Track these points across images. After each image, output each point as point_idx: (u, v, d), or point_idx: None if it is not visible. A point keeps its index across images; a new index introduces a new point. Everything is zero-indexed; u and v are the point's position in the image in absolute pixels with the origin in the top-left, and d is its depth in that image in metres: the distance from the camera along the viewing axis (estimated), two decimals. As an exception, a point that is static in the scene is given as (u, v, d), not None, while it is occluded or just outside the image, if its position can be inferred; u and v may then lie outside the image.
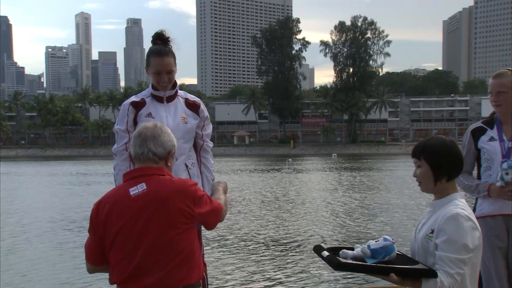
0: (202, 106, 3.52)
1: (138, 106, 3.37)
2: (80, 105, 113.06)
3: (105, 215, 2.40)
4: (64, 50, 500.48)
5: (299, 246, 13.99)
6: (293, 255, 12.87)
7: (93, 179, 37.49)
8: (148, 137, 2.47)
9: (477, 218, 3.34)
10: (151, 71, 3.33)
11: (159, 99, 3.38)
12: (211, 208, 2.55)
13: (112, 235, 2.38)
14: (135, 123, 3.33)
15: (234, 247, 13.86)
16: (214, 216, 2.59)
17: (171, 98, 3.41)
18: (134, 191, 2.39)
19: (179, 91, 3.48)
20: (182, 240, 2.40)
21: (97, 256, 2.46)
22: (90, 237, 2.48)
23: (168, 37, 3.34)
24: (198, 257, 2.51)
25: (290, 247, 13.86)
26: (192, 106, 3.46)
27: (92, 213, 2.46)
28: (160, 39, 3.32)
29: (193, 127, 3.42)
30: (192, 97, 3.53)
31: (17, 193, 29.19)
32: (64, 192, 28.91)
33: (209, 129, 3.58)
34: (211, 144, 3.60)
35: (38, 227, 17.35)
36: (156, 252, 2.35)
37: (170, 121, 3.31)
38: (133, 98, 3.44)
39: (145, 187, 2.39)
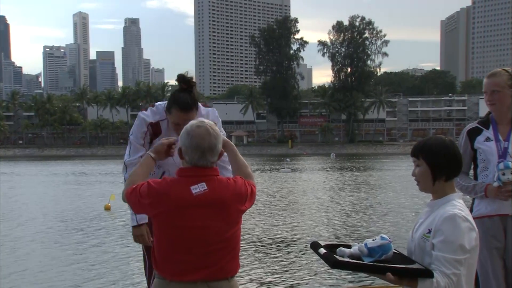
0: (217, 126, 3.44)
1: (154, 130, 3.32)
2: (78, 104, 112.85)
3: (163, 203, 2.44)
4: (62, 50, 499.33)
5: (296, 244, 14.01)
6: (290, 253, 12.89)
7: (97, 179, 37.46)
8: (206, 149, 2.50)
9: (474, 218, 3.35)
10: (171, 120, 3.23)
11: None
12: (254, 195, 2.73)
13: (165, 223, 2.46)
14: (151, 141, 3.31)
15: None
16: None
17: None
18: (195, 189, 2.46)
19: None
20: (236, 237, 2.57)
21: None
22: (143, 204, 2.48)
23: (192, 79, 3.22)
24: (239, 248, 2.66)
25: (287, 246, 13.88)
26: None
27: (153, 191, 2.45)
28: (185, 82, 3.21)
29: None
30: (207, 118, 3.38)
31: (28, 194, 29.14)
32: (74, 192, 28.88)
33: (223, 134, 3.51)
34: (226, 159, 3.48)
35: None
36: (214, 249, 2.47)
37: None
38: (151, 118, 3.34)
39: (206, 187, 2.47)
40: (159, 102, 3.43)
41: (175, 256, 2.45)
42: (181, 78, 3.20)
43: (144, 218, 3.33)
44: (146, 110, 3.41)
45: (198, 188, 2.46)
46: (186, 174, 2.51)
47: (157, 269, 2.49)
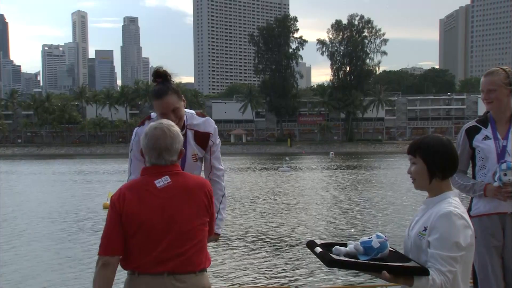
0: (213, 135, 3.43)
1: None
2: (76, 103, 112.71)
3: (130, 203, 2.51)
4: (61, 49, 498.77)
5: (294, 242, 14.02)
6: (288, 251, 12.89)
7: (99, 178, 37.44)
8: (162, 149, 2.60)
9: (473, 217, 3.38)
10: (157, 113, 3.27)
11: None
12: (214, 217, 2.79)
13: (137, 222, 2.50)
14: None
15: (232, 244, 13.88)
16: (212, 227, 2.77)
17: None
18: (159, 183, 2.57)
19: (187, 118, 3.37)
20: (202, 230, 2.63)
21: (119, 245, 2.50)
22: (112, 225, 2.51)
23: (165, 72, 3.27)
24: (206, 243, 2.74)
25: (285, 244, 13.89)
26: (201, 140, 3.40)
27: (116, 201, 2.53)
28: (159, 77, 3.26)
29: (200, 160, 3.44)
30: (203, 127, 3.42)
31: (35, 193, 29.14)
32: (85, 191, 28.89)
33: (217, 151, 3.49)
34: (220, 172, 3.50)
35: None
36: (182, 239, 2.54)
37: (182, 162, 3.19)
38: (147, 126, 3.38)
39: (169, 180, 2.59)
40: (155, 113, 3.40)
41: (144, 249, 2.50)
42: (155, 73, 3.28)
43: None
44: (143, 124, 3.37)
45: (162, 181, 2.57)
46: (148, 172, 2.61)
47: (126, 265, 2.54)
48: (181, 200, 2.57)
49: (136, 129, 3.41)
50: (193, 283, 2.55)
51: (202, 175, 3.44)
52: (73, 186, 31.43)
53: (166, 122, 2.68)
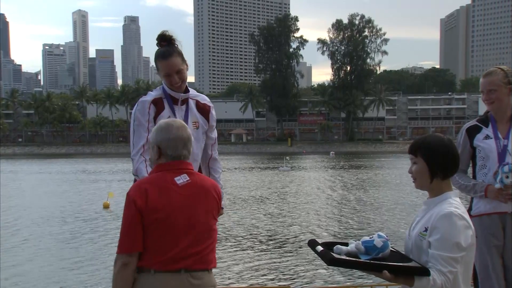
0: (212, 111, 3.54)
1: (158, 105, 3.36)
2: (77, 103, 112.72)
3: (153, 199, 2.48)
4: (61, 48, 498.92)
5: (294, 241, 14.02)
6: (289, 251, 12.89)
7: (105, 177, 37.45)
8: (186, 139, 2.64)
9: (473, 216, 3.38)
10: (161, 74, 3.35)
11: (174, 101, 3.39)
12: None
13: (159, 218, 2.48)
14: (155, 118, 3.34)
15: (232, 244, 13.88)
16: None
17: (184, 100, 3.42)
18: (179, 180, 2.58)
19: (190, 90, 3.49)
20: (215, 231, 2.69)
21: (139, 242, 2.46)
22: (132, 222, 2.46)
23: (171, 36, 3.35)
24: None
25: (286, 243, 13.89)
26: (203, 110, 3.48)
27: (136, 197, 2.47)
28: (164, 40, 3.34)
29: (203, 132, 3.46)
30: (202, 99, 3.53)
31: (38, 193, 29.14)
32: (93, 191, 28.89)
33: (215, 132, 3.60)
34: (217, 152, 3.63)
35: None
36: (201, 238, 2.57)
37: None
38: (153, 95, 3.41)
39: (188, 178, 2.60)
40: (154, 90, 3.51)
41: (163, 247, 2.48)
42: (160, 36, 3.34)
43: None
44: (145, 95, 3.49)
45: (182, 179, 2.58)
46: (166, 168, 2.60)
47: (142, 263, 2.49)
48: (200, 200, 2.59)
49: (139, 99, 3.45)
50: (207, 280, 2.59)
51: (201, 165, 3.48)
52: (79, 185, 31.43)
53: (183, 121, 2.73)
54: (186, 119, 3.37)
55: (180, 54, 3.34)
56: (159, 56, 3.31)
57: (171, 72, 3.29)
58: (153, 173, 2.62)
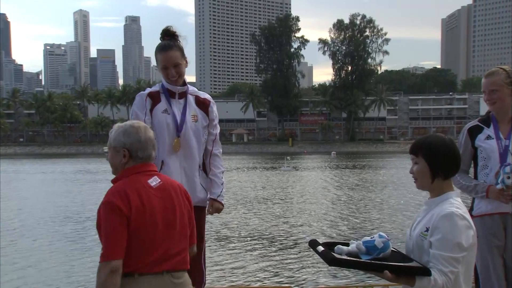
0: (212, 104, 3.54)
1: (154, 98, 3.41)
2: (78, 102, 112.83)
3: (136, 204, 2.46)
4: (63, 48, 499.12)
5: (296, 242, 14.02)
6: (290, 251, 12.89)
7: (109, 177, 37.48)
8: (154, 140, 2.64)
9: (475, 216, 3.38)
10: (159, 67, 3.39)
11: (171, 94, 3.42)
12: (193, 221, 2.75)
13: (142, 222, 2.46)
14: (151, 116, 3.38)
15: (234, 244, 13.88)
16: (194, 233, 2.76)
17: (182, 95, 3.44)
18: (152, 182, 2.57)
19: (190, 87, 3.51)
20: (189, 230, 2.69)
21: (124, 248, 2.41)
22: (118, 228, 2.41)
23: (175, 32, 3.40)
24: None
25: (287, 243, 13.89)
26: (202, 105, 3.49)
27: (119, 203, 2.42)
28: (168, 35, 3.40)
29: (202, 126, 3.45)
30: (202, 95, 3.55)
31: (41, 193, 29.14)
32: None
33: (218, 128, 3.60)
34: (220, 149, 3.62)
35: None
36: (180, 238, 2.59)
37: (181, 120, 3.35)
38: (150, 90, 3.48)
39: (159, 180, 2.60)
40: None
41: (146, 249, 2.47)
42: (164, 31, 3.40)
43: None
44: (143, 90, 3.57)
45: (154, 181, 2.58)
46: (136, 171, 2.58)
47: (125, 268, 2.43)
48: (174, 200, 2.59)
49: (140, 93, 3.50)
50: (186, 279, 2.61)
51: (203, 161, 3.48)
52: (82, 185, 31.45)
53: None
54: (184, 112, 3.39)
55: (180, 49, 3.38)
56: (159, 48, 3.36)
57: (169, 64, 3.32)
58: (124, 177, 2.56)
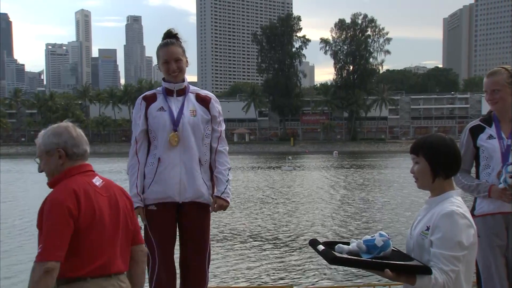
0: (214, 101, 3.53)
1: (148, 100, 3.46)
2: (80, 102, 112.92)
3: (86, 203, 2.40)
4: (64, 48, 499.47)
5: (298, 241, 14.01)
6: (292, 250, 12.89)
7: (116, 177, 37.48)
8: (84, 136, 2.63)
9: (477, 216, 3.38)
10: (160, 63, 3.42)
11: (169, 92, 3.44)
12: (137, 221, 2.73)
13: (92, 223, 2.40)
14: (146, 117, 3.41)
15: (237, 243, 13.88)
16: (139, 232, 2.72)
17: (181, 92, 3.45)
18: (97, 182, 2.53)
19: (191, 86, 3.53)
20: (132, 231, 2.64)
21: (64, 250, 2.31)
22: (61, 228, 2.30)
23: (177, 33, 3.47)
24: None
25: (290, 242, 13.89)
26: (203, 101, 3.49)
27: (68, 202, 2.34)
28: (170, 36, 3.45)
29: (202, 121, 3.43)
30: (204, 92, 3.57)
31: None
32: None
33: (223, 125, 3.59)
34: (226, 146, 3.59)
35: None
36: (127, 239, 2.57)
37: (178, 114, 3.37)
38: (145, 93, 3.55)
39: (101, 180, 2.56)
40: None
41: (97, 252, 2.42)
42: (167, 33, 3.48)
43: (137, 202, 3.35)
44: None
45: (98, 181, 2.54)
46: (79, 171, 2.53)
47: (77, 272, 2.38)
48: (118, 200, 2.56)
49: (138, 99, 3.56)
50: (127, 280, 2.56)
51: (206, 157, 3.48)
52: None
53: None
54: (181, 109, 3.39)
55: (181, 47, 3.43)
56: (160, 45, 3.42)
57: (170, 58, 3.36)
58: (66, 178, 2.48)
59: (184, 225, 3.42)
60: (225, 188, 3.47)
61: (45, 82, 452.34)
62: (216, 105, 3.53)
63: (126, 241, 2.56)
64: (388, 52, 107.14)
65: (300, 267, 11.33)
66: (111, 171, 43.93)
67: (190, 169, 3.36)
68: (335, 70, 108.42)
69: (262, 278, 10.56)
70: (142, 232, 3.43)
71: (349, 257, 2.20)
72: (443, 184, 2.33)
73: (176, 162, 3.35)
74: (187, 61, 3.46)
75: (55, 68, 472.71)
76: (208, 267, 3.48)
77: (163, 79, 3.49)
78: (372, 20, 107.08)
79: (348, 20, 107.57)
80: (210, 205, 3.48)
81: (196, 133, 3.40)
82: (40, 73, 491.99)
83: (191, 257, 3.40)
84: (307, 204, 21.87)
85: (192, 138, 3.37)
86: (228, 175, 3.51)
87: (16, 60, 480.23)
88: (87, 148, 2.60)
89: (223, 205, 3.46)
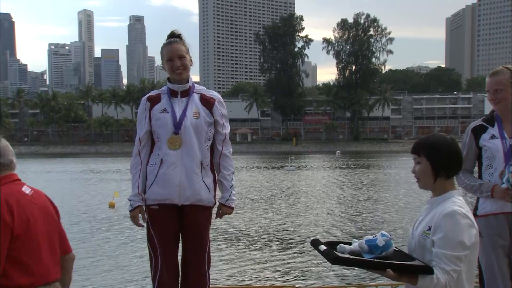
0: (217, 103, 3.50)
1: (152, 101, 3.46)
2: (82, 102, 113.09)
3: (19, 213, 2.39)
4: (67, 47, 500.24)
5: (301, 241, 14.02)
6: (295, 250, 12.89)
7: (113, 177, 37.52)
8: (10, 147, 2.67)
9: (479, 216, 3.37)
10: (164, 61, 3.42)
11: (173, 93, 3.44)
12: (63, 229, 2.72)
13: (27, 232, 2.39)
14: (150, 118, 3.42)
15: (241, 243, 13.89)
16: (66, 239, 2.72)
17: (185, 93, 3.44)
18: (26, 190, 2.53)
19: (196, 86, 3.52)
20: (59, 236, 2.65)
21: (2, 261, 2.28)
22: (1, 239, 2.29)
23: (180, 34, 3.47)
24: None
25: (293, 243, 13.89)
26: (207, 103, 3.46)
27: (4, 213, 2.32)
28: (173, 37, 3.46)
29: (205, 123, 3.42)
30: (209, 93, 3.53)
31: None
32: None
33: (227, 128, 3.55)
34: (230, 149, 3.59)
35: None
36: (57, 247, 2.58)
37: (181, 116, 3.36)
38: (150, 94, 3.54)
39: (30, 189, 2.57)
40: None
41: (35, 260, 2.39)
42: (170, 34, 3.48)
43: (137, 202, 3.37)
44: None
45: (27, 190, 2.54)
46: (9, 180, 2.53)
47: (20, 281, 2.33)
48: (48, 208, 2.59)
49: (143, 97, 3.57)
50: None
51: (207, 160, 3.46)
52: (87, 185, 31.49)
53: None
54: (185, 110, 3.39)
55: (185, 46, 3.44)
56: (164, 44, 3.43)
57: (173, 56, 3.36)
58: (4, 186, 2.47)
59: (184, 225, 3.42)
60: (230, 195, 3.52)
61: (47, 82, 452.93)
62: (220, 107, 3.49)
63: (60, 248, 2.60)
64: (390, 52, 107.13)
65: (303, 267, 11.33)
66: (117, 170, 44.01)
67: (191, 172, 3.35)
68: (337, 70, 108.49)
69: (265, 278, 10.56)
70: (144, 231, 3.44)
71: (351, 257, 2.20)
72: (445, 184, 2.33)
73: (177, 164, 3.35)
74: (191, 60, 3.46)
75: (57, 68, 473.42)
76: (208, 268, 3.48)
77: (168, 79, 3.49)
78: (375, 20, 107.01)
79: (350, 20, 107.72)
80: (211, 207, 3.48)
81: (198, 136, 3.38)
82: (42, 73, 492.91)
83: (191, 258, 3.41)
84: (311, 203, 21.87)
85: (195, 140, 3.36)
86: (232, 180, 3.55)
87: (19, 60, 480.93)
88: (13, 159, 2.63)
89: (228, 212, 3.54)
